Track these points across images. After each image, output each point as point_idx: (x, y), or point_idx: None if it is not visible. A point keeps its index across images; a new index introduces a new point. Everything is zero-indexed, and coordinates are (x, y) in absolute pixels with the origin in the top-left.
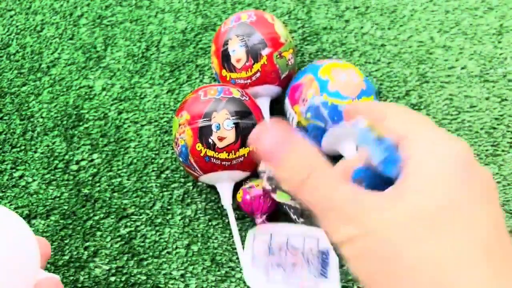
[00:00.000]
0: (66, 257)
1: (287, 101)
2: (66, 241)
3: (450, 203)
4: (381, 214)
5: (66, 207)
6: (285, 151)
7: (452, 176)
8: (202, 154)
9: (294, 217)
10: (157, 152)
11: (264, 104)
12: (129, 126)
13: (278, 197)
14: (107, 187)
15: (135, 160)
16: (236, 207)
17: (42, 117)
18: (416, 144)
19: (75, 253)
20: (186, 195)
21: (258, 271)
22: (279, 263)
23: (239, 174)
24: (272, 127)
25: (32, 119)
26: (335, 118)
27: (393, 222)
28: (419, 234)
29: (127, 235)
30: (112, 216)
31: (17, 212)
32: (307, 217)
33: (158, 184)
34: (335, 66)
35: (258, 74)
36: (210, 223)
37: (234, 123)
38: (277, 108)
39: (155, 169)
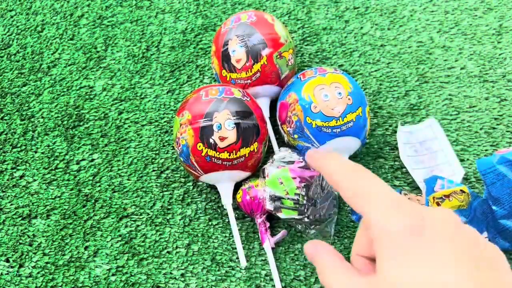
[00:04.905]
0: (67, 257)
1: (277, 117)
2: (66, 241)
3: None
4: None
5: (66, 207)
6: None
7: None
8: (203, 154)
9: (302, 229)
10: (157, 152)
11: (264, 104)
12: (129, 126)
13: (284, 214)
14: (107, 187)
15: (135, 160)
16: (236, 207)
17: (42, 117)
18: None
19: (75, 252)
20: (186, 195)
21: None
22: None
23: (240, 174)
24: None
25: (32, 119)
26: (320, 139)
27: None
28: None
29: (127, 235)
30: (113, 216)
31: (17, 212)
32: (319, 225)
33: (158, 184)
34: (318, 82)
35: (258, 74)
36: (210, 223)
37: (235, 123)
38: (276, 110)
39: (156, 169)
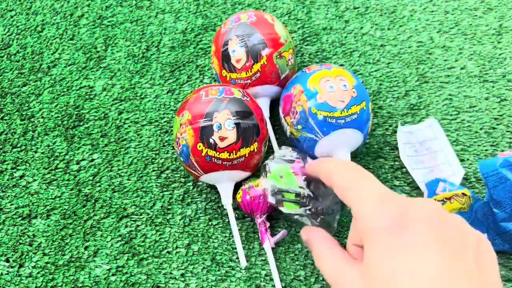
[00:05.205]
0: (67, 257)
1: (280, 111)
2: (66, 241)
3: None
4: None
5: (66, 207)
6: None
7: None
8: (203, 154)
9: (306, 223)
10: (157, 152)
11: (264, 104)
12: (129, 126)
13: (287, 208)
14: (107, 187)
15: (135, 160)
16: (236, 207)
17: (42, 117)
18: (361, 216)
19: (75, 252)
20: (186, 195)
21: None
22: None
23: (240, 174)
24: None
25: (32, 119)
26: (325, 130)
27: None
28: None
29: (127, 235)
30: (113, 216)
31: (17, 212)
32: (321, 219)
33: (158, 184)
34: (324, 75)
35: (258, 74)
36: (210, 223)
37: (235, 123)
38: (277, 109)
39: (156, 169)
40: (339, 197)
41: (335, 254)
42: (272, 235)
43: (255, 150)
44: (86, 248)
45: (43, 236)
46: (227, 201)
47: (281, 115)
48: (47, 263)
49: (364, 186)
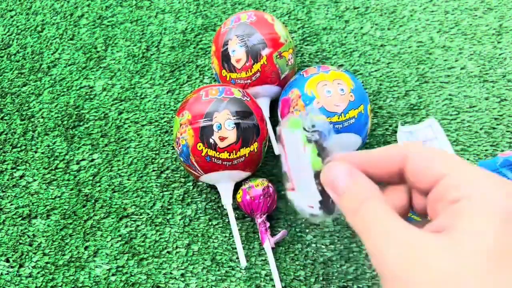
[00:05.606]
0: (67, 257)
1: (278, 114)
2: (66, 241)
3: (501, 254)
4: (429, 266)
5: (66, 207)
6: (344, 182)
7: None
8: (203, 154)
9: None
10: (157, 152)
11: (264, 104)
12: (129, 126)
13: (290, 127)
14: (107, 187)
15: (135, 160)
16: (236, 207)
17: (42, 117)
18: (466, 189)
19: (75, 252)
20: (186, 195)
21: None
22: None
23: (240, 174)
24: (336, 165)
25: (32, 119)
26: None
27: (444, 276)
28: None
29: (127, 235)
30: (113, 216)
31: (17, 212)
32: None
33: (158, 184)
34: (321, 79)
35: (258, 74)
36: (210, 223)
37: (235, 123)
38: (276, 109)
39: (156, 169)
40: (415, 177)
41: (389, 209)
42: (272, 235)
43: (255, 150)
44: (86, 248)
45: (43, 236)
46: (227, 201)
47: (280, 118)
48: (47, 263)
49: (458, 159)
